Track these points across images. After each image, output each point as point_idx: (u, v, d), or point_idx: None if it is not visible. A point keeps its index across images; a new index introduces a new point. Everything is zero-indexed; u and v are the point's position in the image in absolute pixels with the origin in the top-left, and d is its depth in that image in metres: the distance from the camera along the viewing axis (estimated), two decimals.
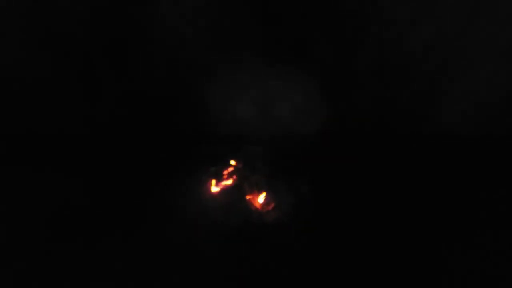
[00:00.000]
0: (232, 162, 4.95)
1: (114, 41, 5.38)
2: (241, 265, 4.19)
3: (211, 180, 4.80)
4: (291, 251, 4.30)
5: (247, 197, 4.70)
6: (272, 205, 4.65)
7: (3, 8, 4.96)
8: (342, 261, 4.26)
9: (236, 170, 4.88)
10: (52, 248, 4.27)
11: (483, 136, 5.32)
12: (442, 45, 5.14)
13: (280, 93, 5.33)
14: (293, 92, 5.31)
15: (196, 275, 4.09)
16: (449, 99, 5.32)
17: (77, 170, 5.06)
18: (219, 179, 4.82)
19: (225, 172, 4.88)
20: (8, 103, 5.29)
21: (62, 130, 5.41)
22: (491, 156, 5.23)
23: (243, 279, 4.08)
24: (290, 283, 4.07)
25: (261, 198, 4.67)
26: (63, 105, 5.43)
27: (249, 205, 4.67)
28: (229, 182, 4.81)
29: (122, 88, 5.49)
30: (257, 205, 4.66)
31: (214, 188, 4.77)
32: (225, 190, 4.77)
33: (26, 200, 4.66)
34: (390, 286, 4.08)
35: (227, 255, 4.26)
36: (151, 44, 5.36)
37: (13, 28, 5.06)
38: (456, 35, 5.03)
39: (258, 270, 4.16)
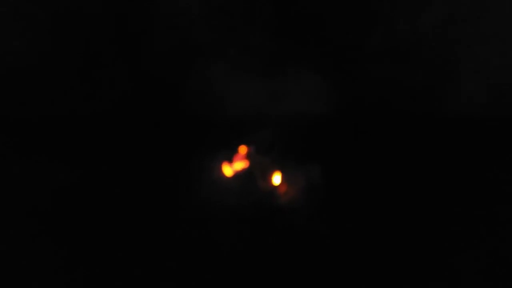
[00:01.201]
0: (243, 148, 4.95)
1: (121, 26, 5.37)
2: (253, 248, 4.23)
3: (223, 165, 4.82)
4: (303, 234, 4.33)
5: (259, 181, 4.72)
6: (284, 188, 4.67)
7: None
8: (353, 244, 4.27)
9: (248, 155, 4.89)
10: (58, 239, 4.29)
11: (497, 118, 5.28)
12: (454, 26, 5.10)
13: (291, 76, 5.32)
14: (305, 75, 5.30)
15: (208, 259, 4.14)
16: (463, 81, 5.29)
17: (83, 158, 5.06)
18: (231, 164, 4.83)
19: (237, 157, 4.89)
20: (9, 90, 5.30)
21: (67, 117, 5.42)
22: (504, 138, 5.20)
23: (255, 262, 4.12)
24: (301, 266, 4.11)
25: (272, 182, 4.69)
26: (69, 93, 5.44)
27: (260, 189, 4.70)
28: (241, 166, 4.83)
29: (129, 74, 5.49)
30: (269, 189, 4.69)
31: (226, 173, 4.79)
32: (237, 174, 4.79)
33: (30, 192, 4.65)
34: (399, 271, 4.09)
35: (239, 238, 4.30)
36: (159, 29, 5.35)
37: (16, 15, 5.10)
38: (468, 13, 4.99)
39: (270, 253, 4.20)
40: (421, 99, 5.35)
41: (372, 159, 5.03)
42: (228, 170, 4.78)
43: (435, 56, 5.28)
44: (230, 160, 4.83)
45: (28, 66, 5.29)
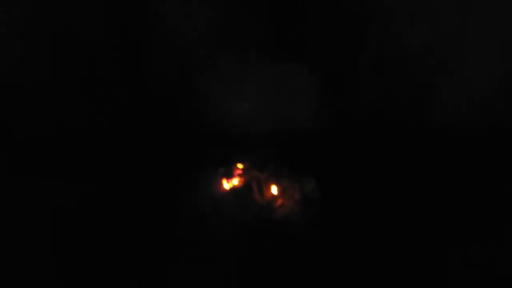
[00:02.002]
0: (240, 165, 5.15)
1: (121, 44, 5.53)
2: (250, 257, 4.40)
3: (221, 179, 5.01)
4: (298, 245, 4.50)
5: (256, 195, 4.90)
6: (280, 201, 4.85)
7: (10, 10, 5.09)
8: (348, 255, 4.43)
9: (245, 170, 5.08)
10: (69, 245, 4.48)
11: (481, 129, 5.45)
12: (440, 42, 5.29)
13: (285, 92, 5.48)
14: (299, 91, 5.47)
15: (207, 267, 4.29)
16: (448, 94, 5.47)
17: (87, 173, 5.21)
18: (229, 179, 5.02)
19: (235, 172, 5.08)
20: (14, 105, 5.39)
21: (70, 132, 5.52)
22: (489, 148, 5.36)
23: (252, 271, 4.28)
24: (297, 273, 4.26)
25: (268, 195, 4.87)
26: (71, 108, 5.55)
27: (257, 203, 4.87)
28: (238, 181, 5.02)
29: (131, 92, 5.64)
30: (265, 202, 4.86)
31: (225, 187, 4.98)
32: (235, 189, 4.97)
33: (37, 200, 4.81)
34: (394, 278, 4.24)
35: (237, 248, 4.47)
36: (159, 48, 5.52)
37: (19, 29, 5.19)
38: (453, 32, 5.17)
39: (266, 262, 4.36)
40: (410, 113, 5.51)
41: (365, 171, 5.20)
42: (226, 185, 4.98)
43: (422, 71, 5.47)
44: (228, 176, 5.04)
45: (29, 84, 5.39)
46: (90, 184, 5.02)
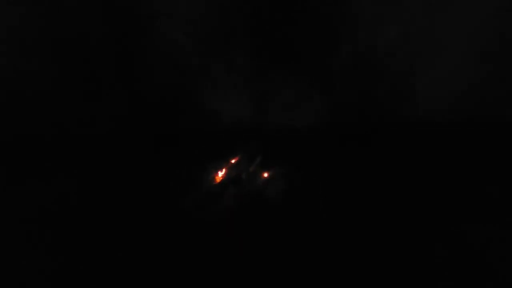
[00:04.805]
0: (233, 157, 5.51)
1: (117, 47, 5.86)
2: (239, 242, 4.53)
3: (213, 173, 5.37)
4: (284, 230, 4.67)
5: (246, 186, 5.25)
6: (268, 191, 5.20)
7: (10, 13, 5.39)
8: (329, 239, 4.54)
9: (236, 163, 5.43)
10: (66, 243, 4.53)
11: (456, 121, 5.81)
12: (413, 40, 5.69)
13: (272, 91, 5.85)
14: (284, 90, 5.84)
15: (201, 253, 4.45)
16: (422, 89, 5.85)
17: (84, 169, 5.45)
18: (222, 171, 5.37)
19: (227, 165, 5.42)
20: (13, 105, 5.67)
21: (68, 132, 5.83)
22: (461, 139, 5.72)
23: (241, 256, 4.39)
24: (283, 259, 4.37)
25: (257, 185, 5.24)
26: (69, 108, 5.86)
27: (248, 193, 5.20)
28: (230, 173, 5.36)
29: (127, 93, 5.98)
30: (256, 193, 5.21)
31: (218, 179, 5.30)
32: (227, 179, 5.29)
33: (33, 201, 4.97)
34: (375, 266, 4.24)
35: (228, 234, 4.63)
36: (153, 50, 5.86)
37: (18, 31, 5.49)
38: (424, 29, 5.57)
39: (254, 247, 4.48)
40: (388, 108, 5.87)
41: (348, 163, 5.52)
42: (219, 177, 5.34)
43: (398, 68, 5.86)
44: (221, 168, 5.39)
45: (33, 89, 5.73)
46: (91, 176, 5.30)
